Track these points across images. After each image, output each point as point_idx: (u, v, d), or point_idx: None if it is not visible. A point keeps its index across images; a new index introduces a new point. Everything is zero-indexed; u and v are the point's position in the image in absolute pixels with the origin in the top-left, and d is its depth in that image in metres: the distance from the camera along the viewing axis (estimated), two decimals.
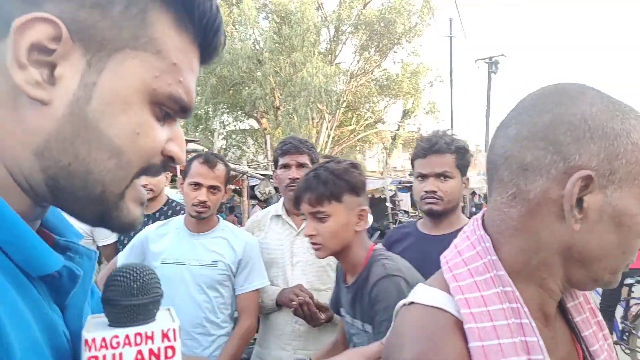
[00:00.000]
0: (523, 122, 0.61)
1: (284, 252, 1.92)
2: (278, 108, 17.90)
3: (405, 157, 31.96)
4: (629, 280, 4.12)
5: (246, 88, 17.28)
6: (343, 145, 21.89)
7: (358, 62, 21.05)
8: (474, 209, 14.26)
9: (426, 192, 1.66)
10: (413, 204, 16.37)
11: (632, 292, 4.25)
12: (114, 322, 0.48)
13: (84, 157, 0.45)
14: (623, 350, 4.13)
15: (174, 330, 0.48)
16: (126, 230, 0.51)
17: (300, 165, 1.89)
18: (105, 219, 0.49)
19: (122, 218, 0.50)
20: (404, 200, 16.86)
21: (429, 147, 1.66)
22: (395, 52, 20.96)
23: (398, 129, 24.66)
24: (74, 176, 0.45)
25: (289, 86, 16.34)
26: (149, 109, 0.48)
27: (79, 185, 0.46)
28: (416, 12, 18.90)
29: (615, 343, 4.18)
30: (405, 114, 24.46)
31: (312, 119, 20.48)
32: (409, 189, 16.15)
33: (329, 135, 20.38)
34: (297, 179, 1.81)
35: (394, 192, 13.09)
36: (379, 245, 1.42)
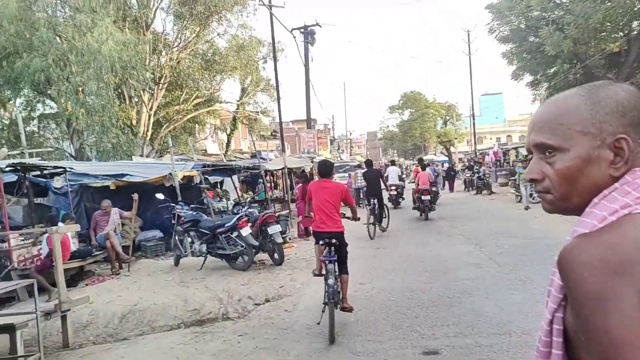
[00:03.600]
0: None
1: None
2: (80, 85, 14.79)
3: (253, 139, 30.09)
4: None
5: (19, 58, 13.86)
6: (170, 127, 19.43)
7: (178, 32, 18.71)
8: None
9: None
10: (235, 189, 14.80)
11: None
12: None
13: None
14: None
15: None
16: None
17: None
18: None
19: None
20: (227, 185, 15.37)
21: None
22: (221, 23, 19.10)
23: (238, 109, 22.82)
24: None
25: (78, 55, 13.41)
26: None
27: None
28: None
29: None
30: (244, 92, 22.72)
31: (131, 97, 17.67)
32: (231, 171, 14.42)
33: (149, 117, 17.80)
34: None
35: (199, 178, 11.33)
36: None
